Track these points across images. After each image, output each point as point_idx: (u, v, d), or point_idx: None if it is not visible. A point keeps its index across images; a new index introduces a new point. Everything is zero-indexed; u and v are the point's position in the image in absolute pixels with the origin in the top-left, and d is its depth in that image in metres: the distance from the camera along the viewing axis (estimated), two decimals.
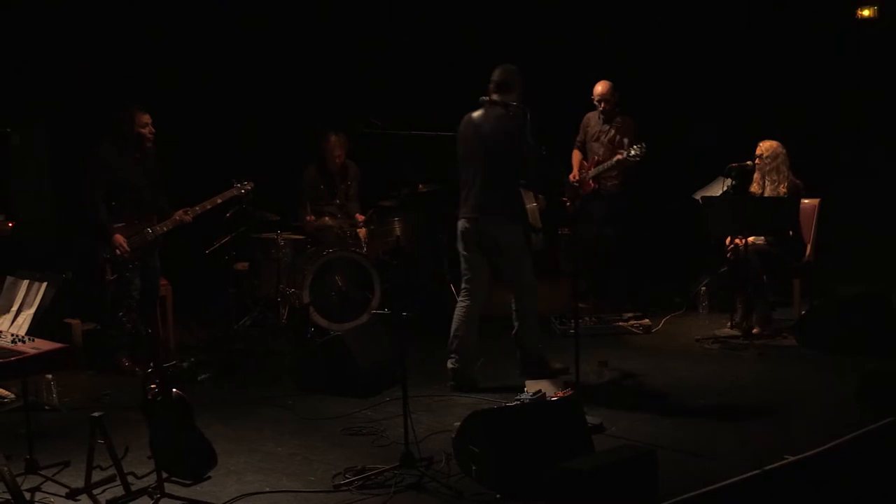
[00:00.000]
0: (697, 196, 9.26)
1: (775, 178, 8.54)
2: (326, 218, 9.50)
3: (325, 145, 9.60)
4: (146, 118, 8.02)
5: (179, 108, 9.06)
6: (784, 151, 8.60)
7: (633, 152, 8.91)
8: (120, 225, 7.98)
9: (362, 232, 9.56)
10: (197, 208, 8.18)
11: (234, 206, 8.66)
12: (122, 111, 8.01)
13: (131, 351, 8.17)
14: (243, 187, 8.46)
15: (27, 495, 5.58)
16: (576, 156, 9.61)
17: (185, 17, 10.56)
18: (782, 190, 8.52)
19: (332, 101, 10.86)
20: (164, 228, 8.13)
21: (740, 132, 9.42)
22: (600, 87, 9.30)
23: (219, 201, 8.31)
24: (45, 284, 5.82)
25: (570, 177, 9.47)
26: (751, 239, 8.55)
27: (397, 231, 9.54)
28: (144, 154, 8.10)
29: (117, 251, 7.90)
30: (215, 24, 10.76)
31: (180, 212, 8.15)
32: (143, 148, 8.07)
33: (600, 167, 9.22)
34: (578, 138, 9.64)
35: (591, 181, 9.29)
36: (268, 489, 5.74)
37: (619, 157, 9.03)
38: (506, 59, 7.48)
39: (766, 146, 8.63)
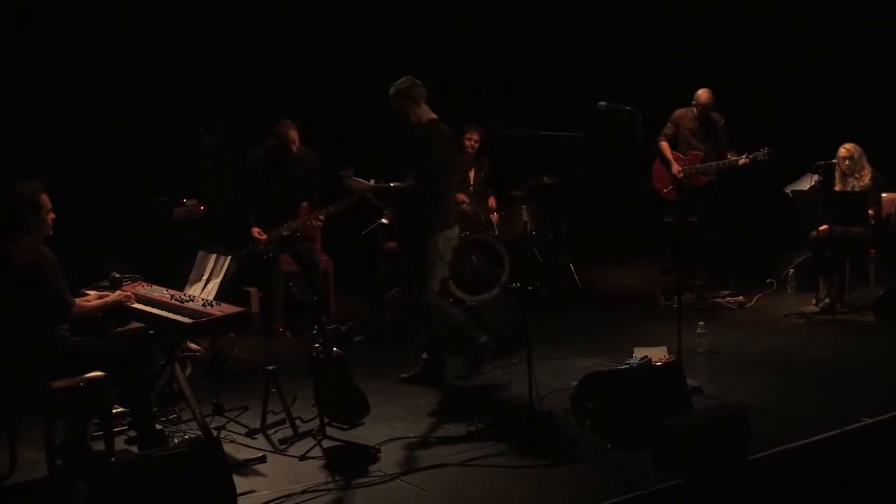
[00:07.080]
0: (788, 190, 9.01)
1: (858, 174, 8.28)
2: (464, 205, 9.50)
3: (464, 135, 9.46)
4: (294, 134, 8.01)
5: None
6: (861, 150, 8.30)
7: (760, 157, 8.72)
8: (258, 221, 8.04)
9: (495, 217, 9.53)
10: (331, 209, 8.03)
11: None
12: (277, 126, 8.04)
13: (285, 318, 8.25)
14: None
15: (214, 432, 5.74)
16: (667, 148, 9.37)
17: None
18: (867, 180, 8.26)
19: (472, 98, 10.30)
20: (297, 225, 8.10)
21: (822, 130, 9.11)
22: (708, 96, 9.07)
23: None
24: (229, 258, 5.93)
25: (674, 170, 9.22)
26: (834, 228, 8.30)
27: (524, 217, 9.47)
28: (292, 161, 8.12)
29: (260, 246, 7.99)
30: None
31: (315, 214, 8.07)
32: (291, 157, 8.09)
33: (723, 163, 8.97)
34: (669, 132, 9.37)
35: (700, 176, 9.10)
36: (412, 435, 5.80)
37: (744, 160, 8.80)
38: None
39: (845, 150, 8.34)
